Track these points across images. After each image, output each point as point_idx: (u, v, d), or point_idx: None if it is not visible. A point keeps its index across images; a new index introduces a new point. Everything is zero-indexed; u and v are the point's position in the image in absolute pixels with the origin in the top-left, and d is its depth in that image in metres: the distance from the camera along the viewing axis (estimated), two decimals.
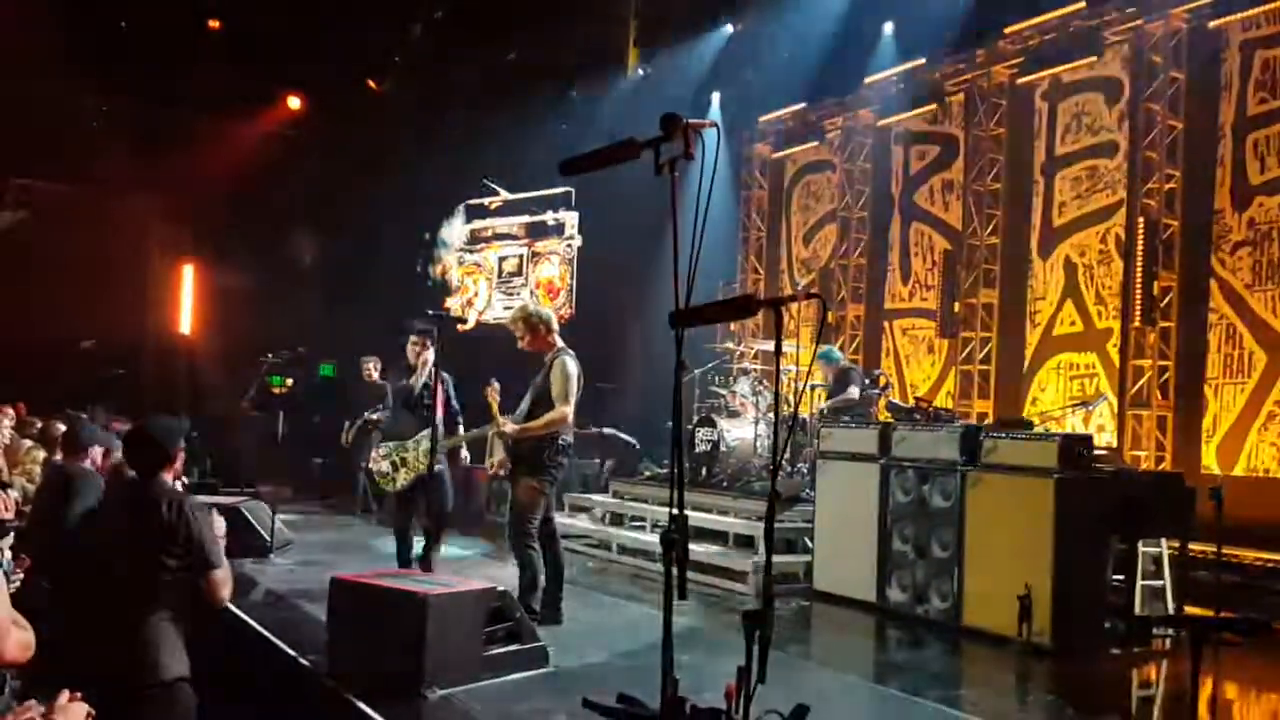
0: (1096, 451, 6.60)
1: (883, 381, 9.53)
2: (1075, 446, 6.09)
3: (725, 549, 7.88)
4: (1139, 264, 9.27)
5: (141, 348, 14.46)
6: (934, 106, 11.61)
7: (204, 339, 14.65)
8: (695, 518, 8.02)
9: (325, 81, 13.64)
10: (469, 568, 7.81)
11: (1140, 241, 9.27)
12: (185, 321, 14.99)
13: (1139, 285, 9.26)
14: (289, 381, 10.04)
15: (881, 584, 6.81)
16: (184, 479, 7.31)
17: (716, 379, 10.45)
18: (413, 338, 7.30)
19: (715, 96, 12.91)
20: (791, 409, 8.14)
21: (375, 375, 11.46)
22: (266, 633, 5.50)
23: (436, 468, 6.66)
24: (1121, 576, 6.38)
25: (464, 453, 7.44)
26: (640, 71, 13.03)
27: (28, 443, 7.46)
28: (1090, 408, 9.56)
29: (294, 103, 14.31)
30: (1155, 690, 5.69)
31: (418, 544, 6.91)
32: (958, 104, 11.44)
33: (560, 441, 6.06)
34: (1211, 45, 9.20)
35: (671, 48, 12.52)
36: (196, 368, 14.33)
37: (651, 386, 9.52)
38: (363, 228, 15.18)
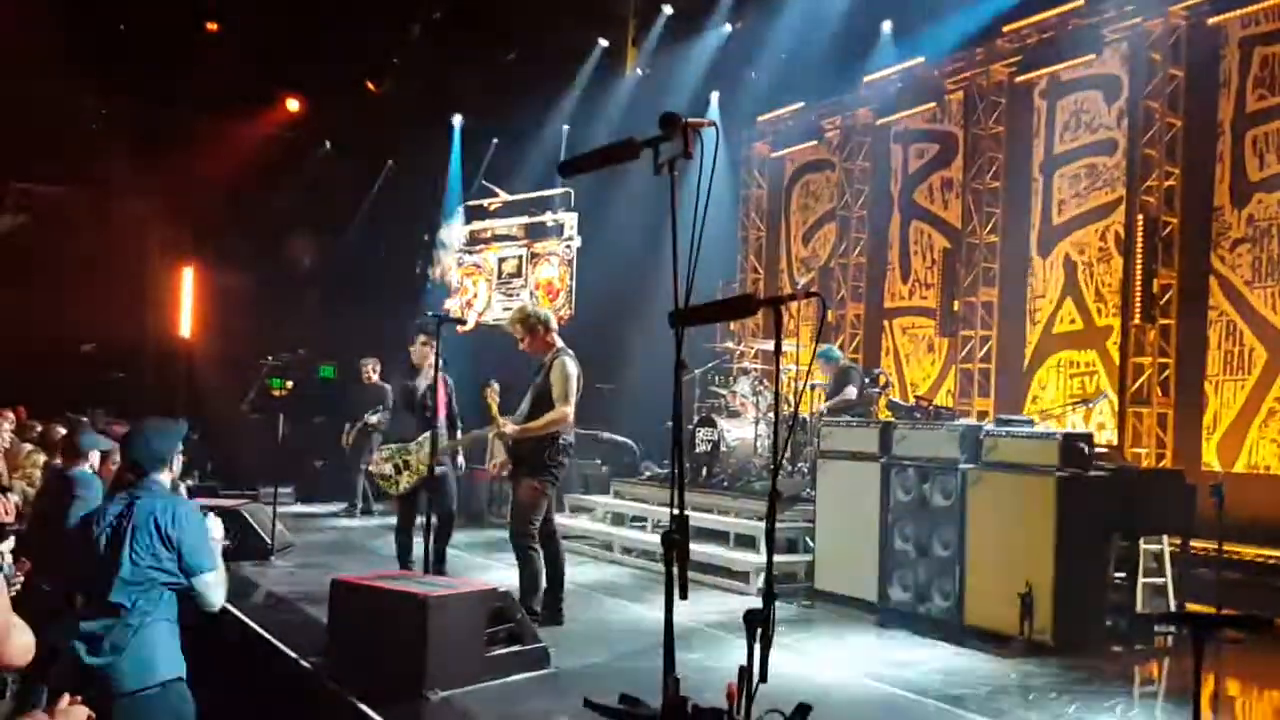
0: (1097, 449, 6.61)
1: (883, 380, 9.53)
2: (1076, 444, 6.09)
3: (726, 549, 7.87)
4: (1138, 261, 9.27)
5: (141, 350, 14.45)
6: (933, 105, 11.61)
7: (204, 341, 14.64)
8: (696, 518, 8.01)
9: (324, 83, 13.62)
10: (469, 569, 7.81)
11: (1140, 239, 9.27)
12: (185, 324, 14.97)
13: (1139, 283, 9.26)
14: (289, 384, 10.03)
15: (883, 583, 6.81)
16: (188, 481, 7.32)
17: (716, 379, 10.45)
18: (421, 337, 7.30)
19: (714, 96, 12.90)
20: (791, 408, 8.14)
21: (375, 377, 11.47)
22: (268, 635, 5.50)
23: (439, 469, 6.66)
24: (1123, 574, 6.39)
25: (460, 459, 7.40)
26: (639, 71, 13.02)
27: (28, 446, 7.47)
28: (1091, 405, 9.56)
29: (293, 104, 14.30)
30: (1157, 688, 5.68)
31: (418, 546, 6.91)
32: (956, 102, 11.44)
33: (561, 441, 6.06)
34: (1210, 42, 9.20)
35: (671, 47, 12.52)
36: (196, 370, 14.33)
37: (651, 387, 9.50)
38: (362, 229, 15.19)
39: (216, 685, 3.90)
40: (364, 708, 4.30)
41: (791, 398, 8.56)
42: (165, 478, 3.71)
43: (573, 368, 6.05)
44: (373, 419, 11.26)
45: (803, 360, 9.09)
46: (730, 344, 10.72)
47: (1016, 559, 5.94)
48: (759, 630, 2.57)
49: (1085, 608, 5.99)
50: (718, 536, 8.10)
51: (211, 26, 12.91)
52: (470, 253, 14.85)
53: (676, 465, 2.60)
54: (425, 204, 15.23)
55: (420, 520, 6.57)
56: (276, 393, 9.98)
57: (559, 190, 13.75)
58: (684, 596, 2.50)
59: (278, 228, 14.49)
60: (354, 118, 14.07)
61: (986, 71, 10.93)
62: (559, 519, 6.66)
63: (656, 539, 7.07)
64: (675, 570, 2.51)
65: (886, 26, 11.34)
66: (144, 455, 3.66)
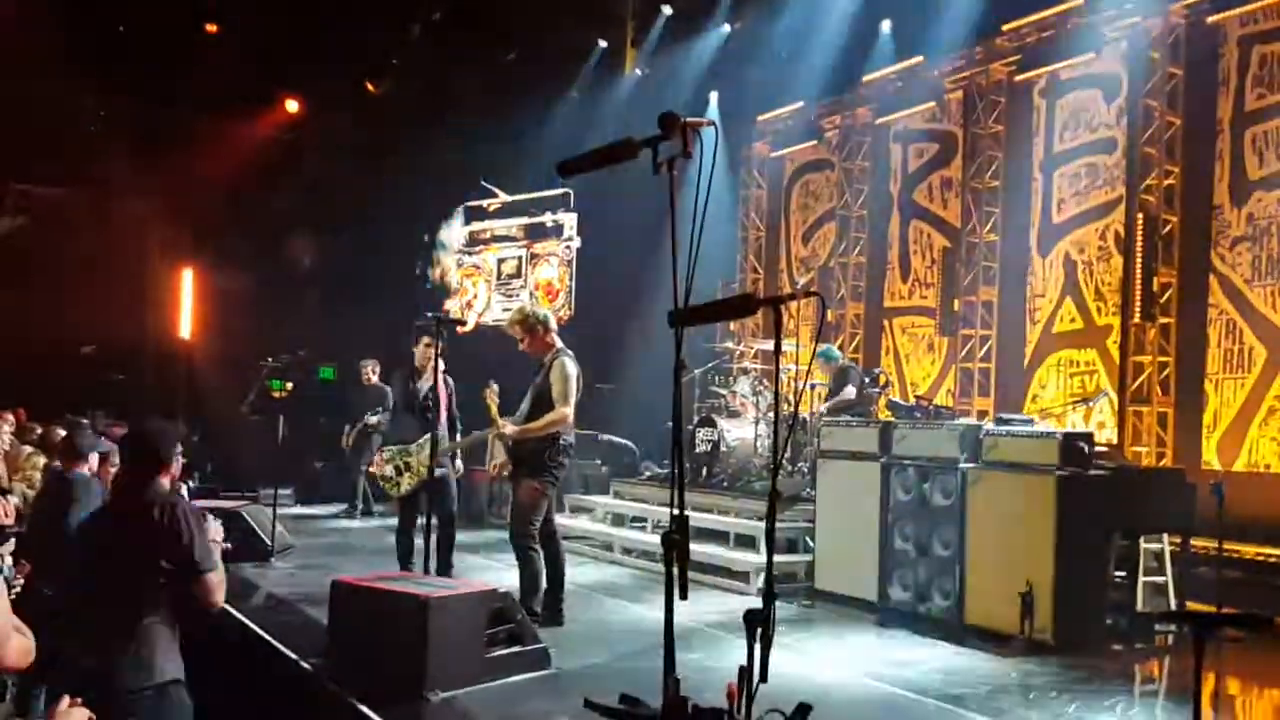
0: (1097, 448, 6.61)
1: (883, 380, 9.53)
2: (1076, 443, 6.09)
3: (726, 549, 7.87)
4: (1138, 260, 9.26)
5: (141, 352, 14.45)
6: (932, 104, 11.61)
7: (204, 343, 14.63)
8: (696, 518, 8.01)
9: (323, 84, 13.62)
10: (470, 569, 7.81)
11: (1139, 237, 9.26)
12: (185, 325, 14.97)
13: (1138, 281, 9.25)
14: (289, 385, 10.02)
15: (883, 583, 6.81)
16: (189, 483, 7.32)
17: (716, 379, 10.45)
18: (425, 339, 7.29)
19: (714, 96, 12.90)
20: (791, 408, 8.14)
21: (374, 378, 11.47)
22: (268, 636, 5.50)
23: (441, 471, 6.66)
24: (1123, 573, 6.39)
25: (457, 462, 7.38)
26: (639, 71, 13.03)
27: (28, 449, 7.47)
28: (1091, 404, 9.56)
29: (292, 105, 14.29)
30: (1158, 687, 5.68)
31: (417, 546, 6.90)
32: (956, 102, 11.44)
33: (561, 442, 6.06)
34: (1209, 41, 9.19)
35: (670, 47, 12.52)
36: (196, 372, 14.32)
37: (651, 387, 9.51)
38: (362, 230, 15.18)
39: (217, 687, 3.91)
40: (364, 709, 4.29)
41: (791, 398, 8.56)
42: (164, 479, 3.71)
43: (572, 368, 6.05)
44: (373, 420, 11.26)
45: (803, 360, 9.09)
46: (730, 344, 10.71)
47: (1017, 558, 5.94)
48: (759, 630, 2.57)
49: (1085, 607, 5.99)
50: (718, 536, 8.10)
51: (211, 27, 12.91)
52: (470, 253, 14.86)
53: (676, 465, 2.59)
54: (425, 204, 15.23)
55: (421, 521, 6.57)
56: (276, 394, 9.98)
57: (558, 191, 13.75)
58: (684, 597, 2.49)
59: (277, 228, 14.48)
60: (354, 118, 14.07)
61: (986, 70, 10.93)
62: (559, 519, 6.65)
63: (656, 539, 7.06)
64: (675, 570, 2.51)
65: (886, 26, 11.34)
66: (142, 457, 3.67)
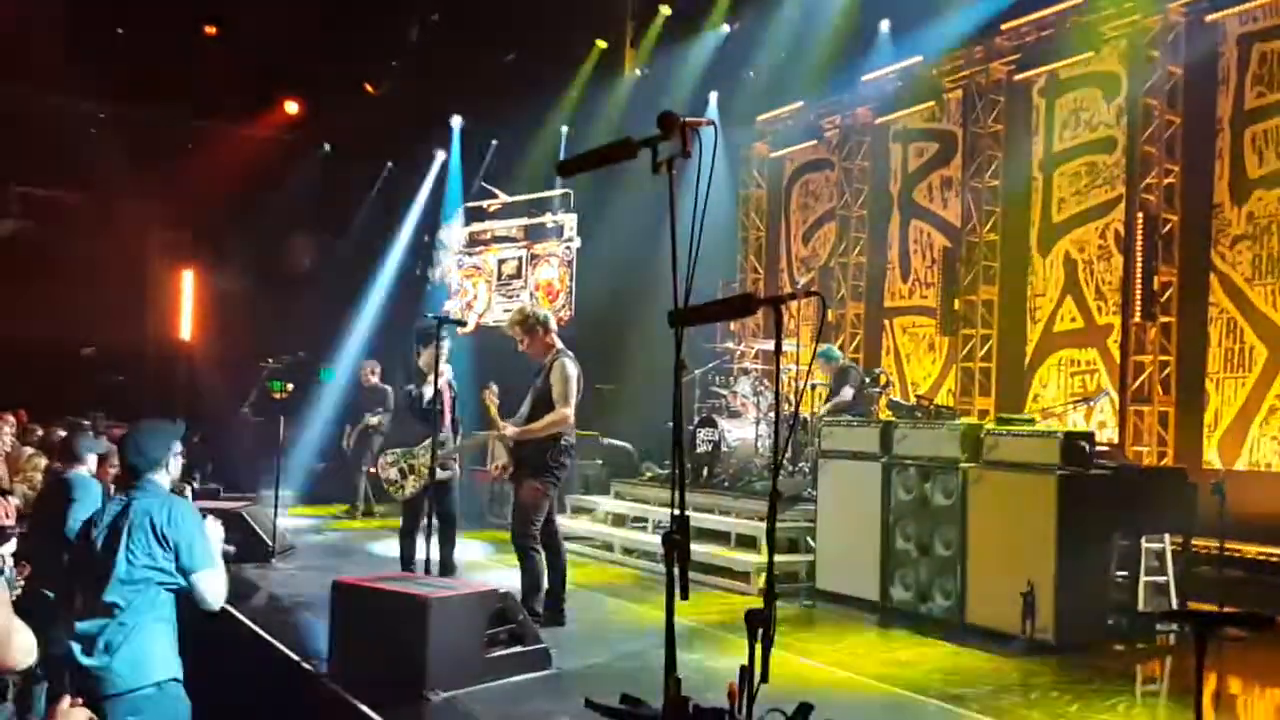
0: (1098, 447, 6.61)
1: (883, 380, 9.53)
2: (1077, 443, 6.09)
3: (727, 549, 7.87)
4: (1139, 259, 9.26)
5: (142, 354, 14.45)
6: (932, 104, 11.60)
7: (204, 344, 14.64)
8: (697, 518, 8.01)
9: (323, 85, 13.62)
10: (470, 569, 7.80)
11: (1139, 236, 9.26)
12: (185, 327, 14.98)
13: (1139, 280, 9.25)
14: (289, 386, 10.02)
15: (885, 582, 6.81)
16: (192, 484, 7.32)
17: (717, 379, 10.44)
18: (430, 343, 7.26)
19: (713, 96, 12.90)
20: (792, 408, 8.14)
21: (374, 379, 11.48)
22: (269, 637, 5.50)
23: (445, 473, 6.67)
24: (1125, 572, 6.39)
25: (455, 467, 7.36)
26: (639, 72, 13.02)
27: (29, 450, 7.49)
28: (1091, 404, 9.56)
29: (292, 107, 14.30)
30: (1159, 686, 5.68)
31: (420, 549, 6.90)
32: (955, 101, 11.43)
33: (563, 442, 6.06)
34: (1209, 39, 9.19)
35: (669, 47, 12.52)
36: (197, 373, 14.33)
37: (651, 387, 9.51)
38: (362, 231, 15.19)
39: (218, 687, 3.91)
40: (365, 709, 4.30)
41: (792, 397, 8.56)
42: (163, 479, 3.71)
43: (572, 369, 6.05)
44: (373, 420, 11.27)
45: (803, 360, 9.08)
46: (730, 344, 10.71)
47: (1018, 558, 5.94)
48: (760, 630, 2.57)
49: (1087, 606, 5.99)
50: (719, 537, 8.09)
51: (211, 29, 12.91)
52: (470, 254, 14.85)
53: (677, 466, 2.59)
54: (424, 206, 15.25)
55: (424, 523, 6.57)
56: (277, 395, 9.96)
57: (558, 191, 13.75)
58: (685, 597, 2.49)
59: (277, 230, 14.49)
60: (353, 119, 14.07)
61: (985, 70, 10.92)
62: (560, 520, 6.66)
63: (657, 540, 7.08)
64: (676, 571, 2.50)
65: (885, 25, 11.33)
66: (138, 457, 3.67)
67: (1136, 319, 9.31)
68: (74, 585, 3.58)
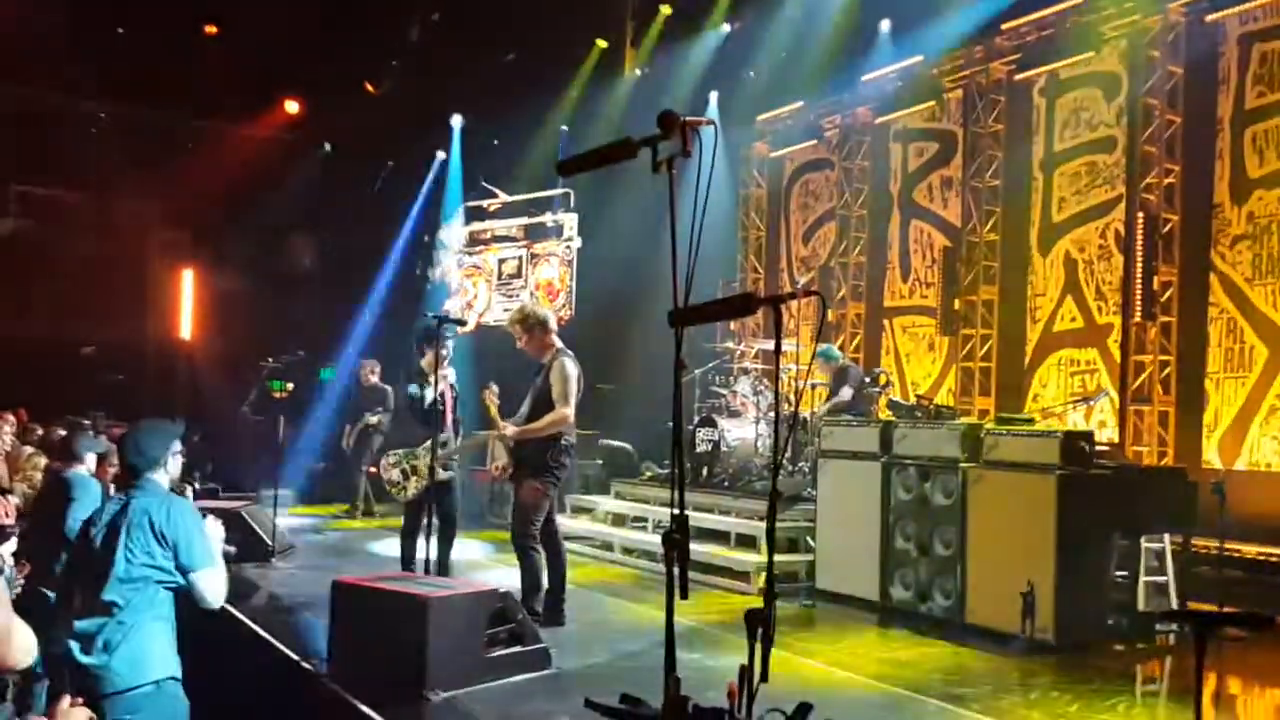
0: (1098, 447, 6.60)
1: (883, 379, 9.53)
2: (1077, 443, 6.09)
3: (727, 549, 7.87)
4: (1139, 259, 9.25)
5: (142, 353, 14.45)
6: (932, 103, 11.60)
7: (204, 344, 14.63)
8: (697, 518, 8.01)
9: (323, 85, 13.62)
10: (470, 569, 7.81)
11: (1140, 236, 9.25)
12: (185, 327, 14.97)
13: (1139, 280, 9.25)
14: (289, 386, 10.03)
15: (884, 582, 6.81)
16: (193, 484, 7.33)
17: (717, 379, 10.44)
18: (432, 344, 7.24)
19: (713, 96, 12.90)
20: (792, 408, 8.14)
21: (374, 378, 11.47)
22: (269, 636, 5.50)
23: (447, 474, 6.67)
24: (1124, 572, 6.38)
25: (456, 468, 7.35)
26: (639, 71, 13.02)
27: (29, 449, 7.49)
28: (1091, 403, 9.56)
29: (292, 106, 14.30)
30: (1159, 686, 5.68)
31: (421, 548, 6.90)
32: (956, 101, 11.43)
33: (563, 442, 6.06)
34: (1209, 39, 9.19)
35: (669, 47, 12.51)
36: (197, 373, 14.33)
37: (651, 387, 9.50)
38: (362, 231, 15.18)
39: (218, 687, 3.91)
40: (365, 709, 4.30)
41: (792, 397, 8.56)
42: (162, 478, 3.71)
43: (572, 368, 6.05)
44: (373, 420, 11.27)
45: (803, 360, 9.08)
46: (730, 344, 10.71)
47: (1018, 557, 5.94)
48: (760, 630, 2.56)
49: (1087, 606, 5.99)
50: (718, 536, 8.10)
51: (211, 29, 12.91)
52: (470, 254, 14.86)
53: (677, 465, 2.59)
54: (424, 206, 15.25)
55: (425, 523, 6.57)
56: (277, 395, 9.97)
57: (559, 191, 13.75)
58: (684, 596, 2.49)
59: (277, 230, 14.49)
60: (353, 119, 14.07)
61: (985, 69, 10.92)
62: (560, 520, 6.66)
63: (657, 539, 7.08)
64: (676, 570, 2.50)
65: (885, 25, 11.32)
66: (137, 457, 3.67)
67: (1136, 319, 9.31)
68: (73, 584, 3.58)
